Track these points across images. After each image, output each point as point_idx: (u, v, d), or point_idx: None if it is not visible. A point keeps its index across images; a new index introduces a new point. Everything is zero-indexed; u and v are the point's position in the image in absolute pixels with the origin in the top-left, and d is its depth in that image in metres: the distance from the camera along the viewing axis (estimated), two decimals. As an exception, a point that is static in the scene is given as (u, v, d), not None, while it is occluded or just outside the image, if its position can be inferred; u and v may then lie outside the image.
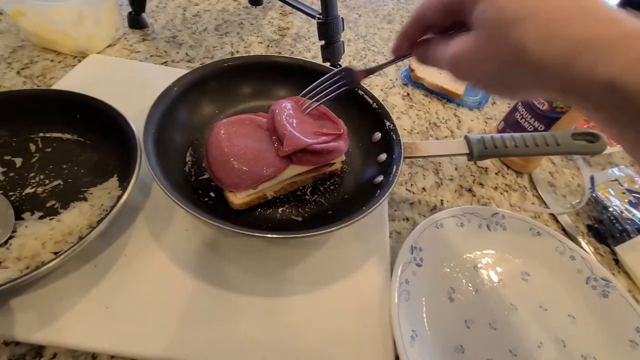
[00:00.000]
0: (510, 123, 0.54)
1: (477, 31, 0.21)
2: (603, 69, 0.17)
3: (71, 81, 0.53)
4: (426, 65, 0.26)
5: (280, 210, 0.41)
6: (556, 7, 0.18)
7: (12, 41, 0.61)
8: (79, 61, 0.58)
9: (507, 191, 0.54)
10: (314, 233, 0.33)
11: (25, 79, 0.55)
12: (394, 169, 0.40)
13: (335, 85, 0.36)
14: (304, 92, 0.40)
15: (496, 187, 0.54)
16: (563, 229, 0.49)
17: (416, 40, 0.26)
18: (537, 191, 0.54)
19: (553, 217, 0.51)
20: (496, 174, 0.56)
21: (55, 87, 0.52)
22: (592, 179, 0.55)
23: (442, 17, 0.23)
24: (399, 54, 0.28)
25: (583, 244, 0.47)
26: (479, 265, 0.42)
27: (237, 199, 0.39)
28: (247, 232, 0.32)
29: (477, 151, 0.42)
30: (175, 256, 0.37)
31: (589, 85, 0.17)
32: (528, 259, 0.43)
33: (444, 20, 0.24)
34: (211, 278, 0.36)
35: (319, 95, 0.37)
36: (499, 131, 0.57)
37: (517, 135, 0.43)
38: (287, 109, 0.41)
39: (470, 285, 0.40)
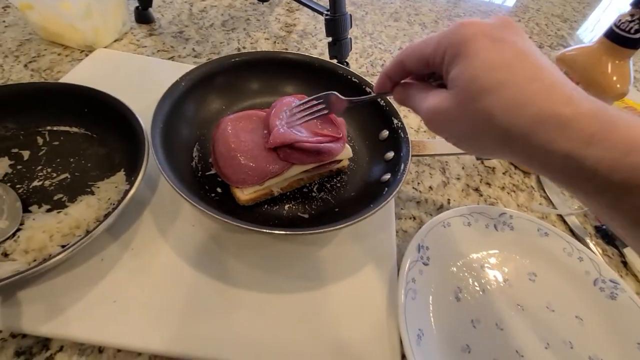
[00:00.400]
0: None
1: (451, 92, 0.22)
2: (562, 143, 0.18)
3: (78, 75, 0.53)
4: (404, 106, 0.28)
5: (286, 206, 0.41)
6: (522, 82, 0.19)
7: (19, 34, 0.61)
8: (86, 55, 0.58)
9: (514, 191, 0.53)
10: (321, 230, 0.33)
11: (32, 72, 0.55)
12: (402, 167, 0.40)
13: (316, 109, 0.35)
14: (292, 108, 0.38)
15: (503, 187, 0.53)
16: (571, 230, 0.49)
17: (397, 82, 0.28)
18: (544, 192, 0.54)
19: (561, 218, 0.50)
20: (503, 173, 0.56)
21: (63, 80, 0.51)
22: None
23: (421, 67, 0.25)
24: (381, 91, 0.29)
25: (591, 245, 0.46)
26: (486, 265, 0.42)
27: (244, 195, 0.39)
28: (254, 228, 0.31)
29: (486, 150, 0.42)
30: (182, 251, 0.37)
31: (549, 155, 0.19)
32: (535, 259, 0.43)
33: (422, 70, 0.26)
34: (217, 273, 0.36)
35: (299, 116, 0.37)
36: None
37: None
38: (288, 106, 0.40)
39: (476, 284, 0.40)
